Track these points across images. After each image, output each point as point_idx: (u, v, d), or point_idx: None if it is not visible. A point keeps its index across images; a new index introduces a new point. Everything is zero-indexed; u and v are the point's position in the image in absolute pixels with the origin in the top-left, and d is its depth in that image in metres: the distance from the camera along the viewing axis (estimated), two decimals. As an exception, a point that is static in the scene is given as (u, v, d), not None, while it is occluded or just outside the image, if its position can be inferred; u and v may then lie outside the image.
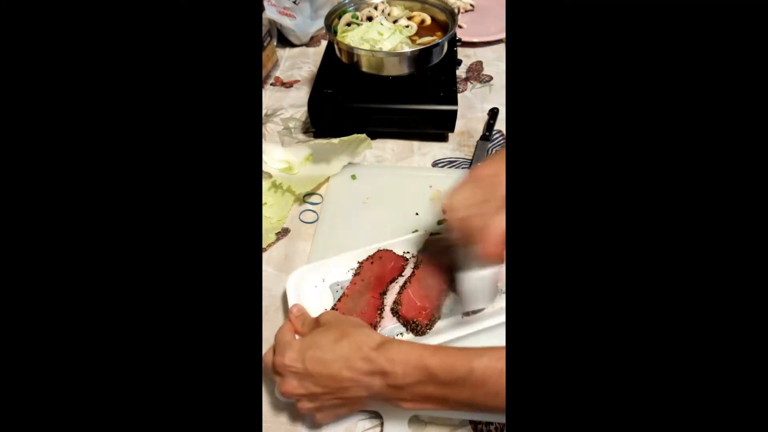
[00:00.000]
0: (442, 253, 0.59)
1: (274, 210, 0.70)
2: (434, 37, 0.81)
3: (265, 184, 0.72)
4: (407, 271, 0.59)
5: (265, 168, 0.73)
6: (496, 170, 0.47)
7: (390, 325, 0.54)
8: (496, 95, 0.91)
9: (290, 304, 0.53)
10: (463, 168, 0.76)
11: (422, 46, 0.76)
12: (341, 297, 0.55)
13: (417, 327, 0.52)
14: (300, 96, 0.92)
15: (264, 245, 0.65)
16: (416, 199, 0.70)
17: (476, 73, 0.96)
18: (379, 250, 0.60)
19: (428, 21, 0.86)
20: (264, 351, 0.48)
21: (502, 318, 0.53)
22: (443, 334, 0.52)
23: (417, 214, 0.68)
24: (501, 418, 0.47)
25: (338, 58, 0.80)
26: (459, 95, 0.78)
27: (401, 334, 0.54)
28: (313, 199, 0.72)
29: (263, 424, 0.49)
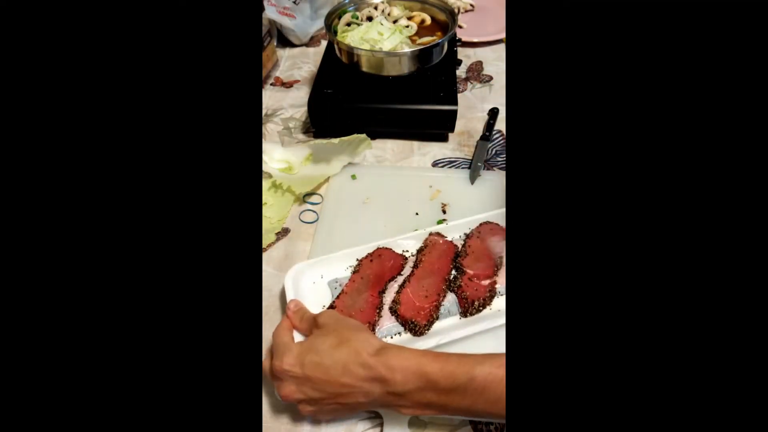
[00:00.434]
0: (442, 253, 0.59)
1: (274, 210, 0.70)
2: (434, 37, 0.81)
3: (265, 184, 0.72)
4: (406, 270, 0.59)
5: (265, 168, 0.73)
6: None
7: (388, 325, 0.54)
8: (496, 95, 0.91)
9: (288, 299, 0.53)
10: (463, 168, 0.76)
11: (422, 46, 0.76)
12: (340, 294, 0.55)
13: (415, 327, 0.52)
14: (300, 96, 0.92)
15: (264, 245, 0.65)
16: (416, 199, 0.70)
17: (476, 73, 0.96)
18: (378, 248, 0.60)
19: (428, 21, 0.86)
20: (264, 351, 0.48)
21: (501, 320, 0.53)
22: (441, 335, 0.52)
23: (417, 213, 0.68)
24: (501, 420, 0.47)
25: (338, 58, 0.80)
26: (459, 95, 0.79)
27: (399, 333, 0.54)
28: (313, 199, 0.72)
29: (263, 425, 0.49)
